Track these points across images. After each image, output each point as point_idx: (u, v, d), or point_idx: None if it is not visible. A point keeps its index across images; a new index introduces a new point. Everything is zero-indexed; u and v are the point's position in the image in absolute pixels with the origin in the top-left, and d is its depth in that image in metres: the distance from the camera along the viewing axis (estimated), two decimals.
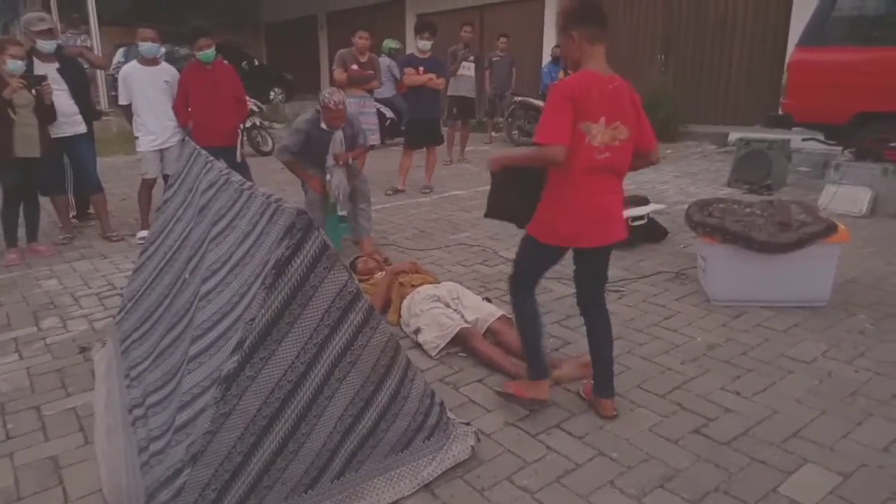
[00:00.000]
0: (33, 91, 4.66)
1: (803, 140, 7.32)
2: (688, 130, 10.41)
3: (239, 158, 5.44)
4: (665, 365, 3.05)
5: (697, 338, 3.32)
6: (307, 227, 1.95)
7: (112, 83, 11.32)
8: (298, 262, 1.94)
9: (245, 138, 9.29)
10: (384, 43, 11.00)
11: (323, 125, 4.50)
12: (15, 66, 4.57)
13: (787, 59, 7.42)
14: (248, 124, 9.44)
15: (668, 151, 9.46)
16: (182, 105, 5.23)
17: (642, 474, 2.27)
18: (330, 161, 4.56)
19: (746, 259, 3.55)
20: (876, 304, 3.68)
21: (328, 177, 4.55)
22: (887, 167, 5.48)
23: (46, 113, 4.80)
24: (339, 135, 4.55)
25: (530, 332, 2.65)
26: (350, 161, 4.73)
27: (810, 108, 6.69)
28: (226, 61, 5.53)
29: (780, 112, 7.25)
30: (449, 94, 8.61)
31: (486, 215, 2.77)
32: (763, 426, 2.53)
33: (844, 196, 5.56)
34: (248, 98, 6.89)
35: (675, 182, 7.29)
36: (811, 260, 3.51)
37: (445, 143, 8.99)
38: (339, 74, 6.48)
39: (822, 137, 7.04)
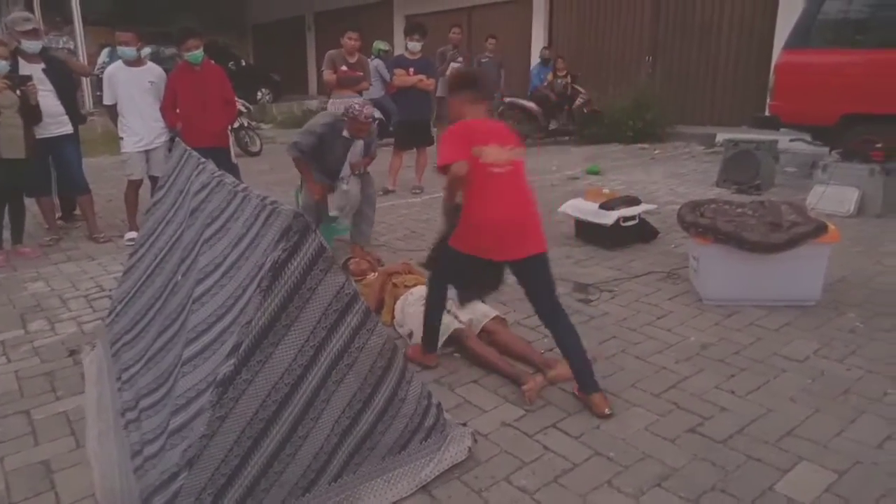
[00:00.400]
0: (18, 91, 4.59)
1: (790, 141, 7.39)
2: (675, 131, 10.47)
3: (234, 159, 5.40)
4: (659, 364, 3.06)
5: (691, 337, 3.33)
6: (304, 229, 1.94)
7: (97, 83, 11.17)
8: (295, 264, 1.93)
9: (233, 139, 9.24)
10: (374, 44, 10.96)
11: (345, 133, 4.44)
12: None
13: (774, 62, 7.50)
14: (236, 125, 9.37)
15: (657, 152, 9.52)
16: (170, 106, 5.18)
17: (639, 473, 2.27)
18: (347, 170, 4.49)
19: (738, 259, 3.57)
20: (865, 302, 3.71)
21: (344, 186, 4.48)
22: (874, 168, 5.54)
23: (31, 113, 4.74)
24: (360, 144, 4.51)
25: (434, 313, 2.97)
26: (365, 169, 4.68)
27: (797, 109, 6.75)
28: (212, 62, 5.48)
29: (767, 113, 7.31)
30: (438, 94, 8.59)
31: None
32: (758, 424, 2.55)
33: (832, 196, 5.61)
34: (236, 99, 6.83)
35: (665, 182, 7.33)
36: (802, 260, 3.54)
37: (436, 144, 8.97)
38: (329, 76, 6.45)
39: (809, 138, 7.11)
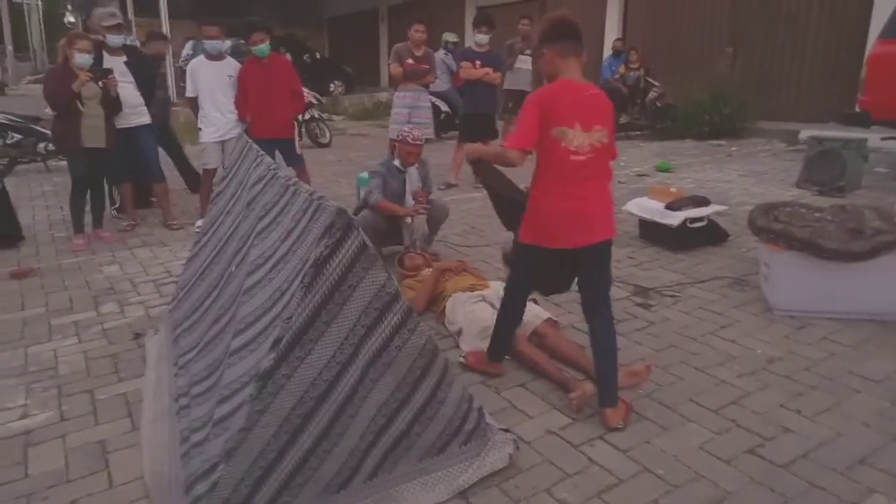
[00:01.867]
0: (100, 83, 4.83)
1: (882, 139, 6.87)
2: (755, 127, 9.94)
3: (298, 150, 5.51)
4: (720, 377, 2.89)
5: (757, 350, 3.14)
6: (347, 226, 1.93)
7: (181, 75, 11.69)
8: (337, 261, 1.92)
9: (303, 130, 9.45)
10: (443, 36, 10.97)
11: (396, 162, 4.43)
12: (83, 59, 4.75)
13: (867, 53, 6.97)
14: (306, 116, 9.59)
15: (734, 149, 9.07)
16: (243, 100, 5.35)
17: (690, 494, 2.15)
18: (409, 201, 4.46)
19: (813, 267, 3.34)
20: None
21: (409, 220, 4.45)
22: None
23: (113, 105, 4.97)
24: (413, 171, 4.49)
25: (507, 324, 2.86)
26: (429, 198, 4.58)
27: (891, 104, 6.25)
28: (288, 55, 5.60)
29: (856, 109, 6.81)
30: (505, 87, 8.48)
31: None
32: (825, 449, 2.36)
33: None
34: (306, 90, 6.98)
35: (740, 182, 6.97)
36: (885, 271, 3.27)
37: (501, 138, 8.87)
38: (395, 69, 6.47)
39: None
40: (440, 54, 7.96)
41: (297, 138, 5.59)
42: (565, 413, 2.62)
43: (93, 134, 4.86)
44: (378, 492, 2.09)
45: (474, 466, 2.21)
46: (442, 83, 8.13)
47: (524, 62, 8.37)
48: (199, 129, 5.53)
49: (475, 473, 2.20)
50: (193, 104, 5.52)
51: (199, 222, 5.49)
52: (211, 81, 5.37)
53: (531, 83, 8.51)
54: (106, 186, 5.60)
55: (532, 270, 2.75)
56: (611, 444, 2.42)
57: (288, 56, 6.78)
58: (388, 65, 6.78)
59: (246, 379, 2.06)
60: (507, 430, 2.39)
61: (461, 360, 3.02)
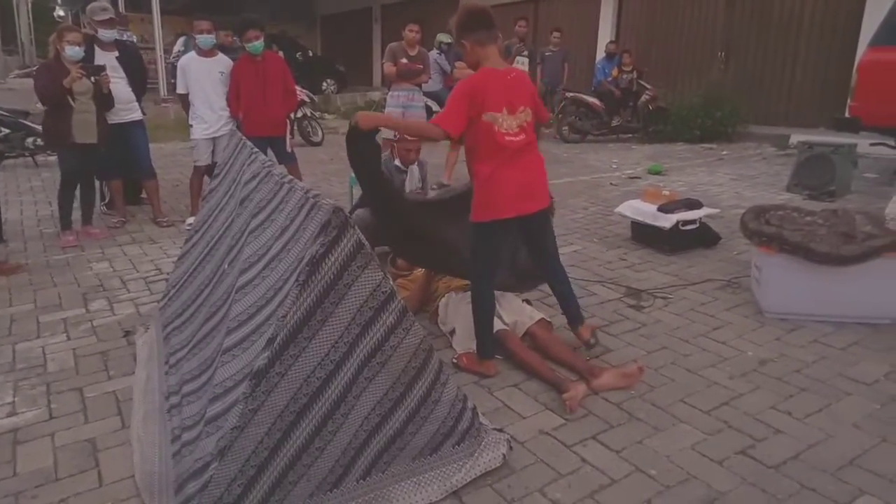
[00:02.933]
0: (92, 79, 4.78)
1: (871, 145, 6.94)
2: (747, 131, 10.00)
3: (289, 149, 5.48)
4: (712, 379, 2.90)
5: (748, 352, 3.16)
6: (343, 224, 1.92)
7: (172, 71, 11.62)
8: (332, 259, 1.91)
9: (296, 128, 9.41)
10: (437, 37, 10.96)
11: (396, 162, 4.40)
12: (73, 51, 4.70)
13: (857, 60, 7.04)
14: (298, 114, 9.55)
15: (725, 153, 9.13)
16: (235, 96, 5.31)
17: (682, 495, 2.16)
18: None
19: (804, 270, 3.36)
20: None
21: None
22: None
23: (104, 101, 4.93)
24: (415, 170, 4.45)
25: (484, 316, 2.90)
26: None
27: (881, 111, 6.31)
28: (280, 53, 5.57)
29: (847, 114, 6.87)
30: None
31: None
32: (816, 451, 2.38)
33: None
34: (299, 89, 6.94)
35: (731, 185, 7.01)
36: (876, 275, 3.30)
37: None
38: (389, 68, 6.45)
39: (892, 143, 6.65)
40: (434, 54, 7.94)
41: (289, 136, 5.54)
42: (558, 413, 2.62)
43: (84, 129, 4.81)
44: (371, 491, 2.08)
45: (468, 466, 2.21)
46: (434, 83, 8.11)
47: (521, 63, 8.40)
48: (190, 125, 5.50)
49: (468, 473, 2.20)
50: (184, 101, 5.48)
51: (190, 220, 5.46)
52: (202, 78, 5.34)
53: None
54: (97, 182, 5.55)
55: (492, 249, 2.86)
56: (603, 445, 2.42)
57: (280, 54, 6.72)
58: (382, 64, 6.76)
59: (239, 377, 2.05)
60: (500, 430, 2.39)
61: (454, 361, 3.01)
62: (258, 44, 5.18)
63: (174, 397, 2.59)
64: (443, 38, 10.68)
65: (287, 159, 5.44)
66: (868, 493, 2.15)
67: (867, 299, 3.37)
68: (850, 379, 2.89)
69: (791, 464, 2.31)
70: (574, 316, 3.09)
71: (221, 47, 5.83)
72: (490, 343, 2.94)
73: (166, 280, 3.88)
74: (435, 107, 9.92)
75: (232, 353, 2.19)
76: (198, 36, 5.37)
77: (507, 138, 2.69)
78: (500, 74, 2.73)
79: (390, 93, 6.72)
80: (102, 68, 4.90)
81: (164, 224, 5.59)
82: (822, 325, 3.39)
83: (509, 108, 2.70)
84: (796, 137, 8.45)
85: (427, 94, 7.96)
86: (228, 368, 2.15)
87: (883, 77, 6.33)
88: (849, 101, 6.80)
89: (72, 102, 4.69)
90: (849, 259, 3.26)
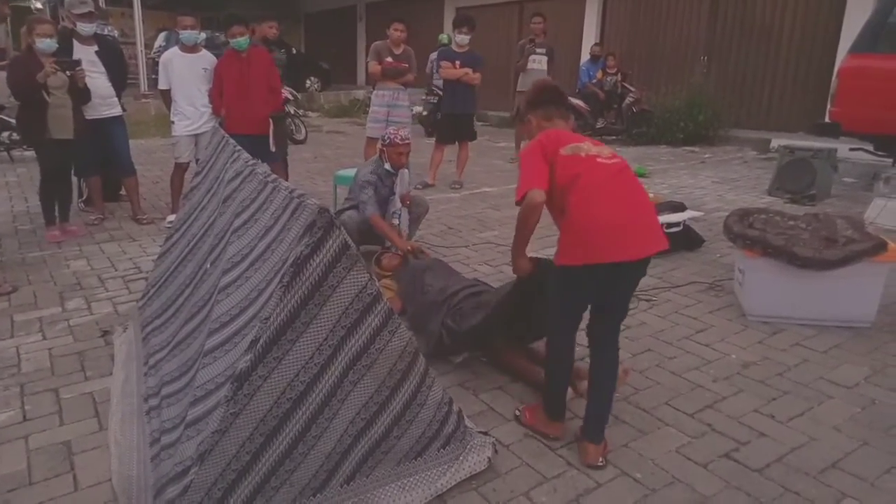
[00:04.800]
0: (67, 73, 4.67)
1: (851, 150, 7.03)
2: (728, 135, 10.11)
3: (273, 148, 5.41)
4: (695, 382, 2.91)
5: (731, 354, 3.17)
6: (328, 225, 1.88)
7: (153, 67, 11.47)
8: (317, 261, 1.88)
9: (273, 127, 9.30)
10: (439, 37, 11.24)
11: (387, 166, 4.36)
12: (44, 45, 4.59)
13: (838, 66, 7.13)
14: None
15: (707, 156, 9.21)
16: (217, 93, 5.24)
17: (666, 498, 2.16)
18: (397, 203, 4.37)
19: (787, 274, 3.39)
20: None
21: (396, 221, 4.37)
22: None
23: (80, 95, 4.82)
24: (405, 174, 4.41)
25: (560, 374, 2.48)
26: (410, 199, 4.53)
27: (860, 116, 6.40)
28: (275, 50, 5.50)
29: (827, 120, 6.96)
30: (519, 89, 8.39)
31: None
32: (798, 454, 2.39)
33: (893, 210, 5.30)
34: (283, 87, 6.85)
35: (714, 188, 7.07)
36: (857, 278, 3.33)
37: (514, 141, 8.76)
38: (374, 67, 6.42)
39: (871, 148, 6.75)
40: (433, 55, 7.95)
41: (272, 135, 5.46)
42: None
43: (60, 125, 4.70)
44: (355, 496, 2.05)
45: (453, 470, 2.19)
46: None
47: (538, 62, 8.14)
48: (172, 122, 5.41)
49: (453, 477, 2.18)
50: (166, 96, 5.40)
51: (171, 217, 5.37)
52: (185, 74, 5.26)
53: None
54: (74, 179, 5.44)
55: (575, 298, 2.40)
56: None
57: (283, 53, 6.60)
58: (367, 62, 6.72)
59: (221, 380, 2.01)
60: (486, 434, 2.37)
61: (517, 413, 2.61)
62: (243, 40, 5.12)
63: (153, 399, 2.53)
64: (443, 38, 10.80)
65: (271, 158, 5.37)
66: (850, 496, 2.17)
67: (848, 303, 3.41)
68: (831, 382, 2.91)
69: (774, 467, 2.32)
70: (596, 425, 2.38)
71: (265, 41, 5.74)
72: (562, 403, 2.50)
73: (146, 279, 3.82)
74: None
75: (214, 354, 2.14)
76: (181, 32, 5.29)
77: (599, 160, 2.29)
78: (569, 133, 2.46)
79: (375, 92, 6.68)
80: (78, 62, 4.79)
81: (144, 221, 5.50)
82: (804, 329, 3.42)
83: (591, 143, 2.38)
84: (777, 142, 8.55)
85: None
86: (210, 370, 2.11)
87: (862, 83, 6.42)
88: (829, 106, 6.89)
89: (46, 97, 4.58)
90: (831, 263, 3.29)
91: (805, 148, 6.60)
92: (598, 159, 2.30)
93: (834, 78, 6.92)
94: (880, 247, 3.33)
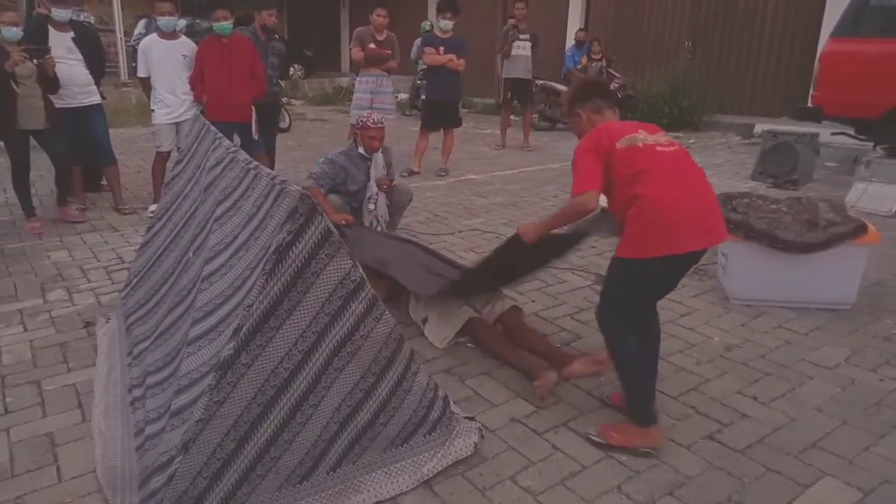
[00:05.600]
0: (35, 62, 4.55)
1: (833, 134, 7.09)
2: (712, 120, 10.15)
3: (255, 136, 5.36)
4: (679, 365, 2.94)
5: (714, 338, 3.20)
6: (310, 211, 1.87)
7: (132, 54, 11.28)
8: (300, 248, 1.86)
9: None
10: (422, 24, 11.25)
11: (361, 150, 4.32)
12: (10, 33, 4.45)
13: (820, 50, 7.17)
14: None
15: (692, 141, 9.25)
16: (199, 79, 5.17)
17: (651, 480, 2.18)
18: (373, 188, 4.31)
19: (769, 257, 3.42)
20: None
21: (371, 206, 4.32)
22: None
23: (50, 84, 4.70)
24: (379, 157, 4.37)
25: (638, 370, 2.35)
26: (392, 183, 4.47)
27: (842, 101, 6.46)
28: (244, 35, 5.41)
29: (809, 104, 7.01)
30: (504, 76, 8.38)
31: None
32: (780, 434, 2.43)
33: (874, 194, 5.37)
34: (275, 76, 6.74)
35: None
36: (838, 261, 3.37)
37: (499, 128, 8.76)
38: (356, 53, 6.36)
39: (852, 132, 6.81)
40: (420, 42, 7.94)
41: (255, 122, 5.40)
42: (530, 401, 2.63)
43: (30, 115, 4.59)
44: (341, 483, 2.06)
45: (439, 455, 2.20)
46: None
47: (522, 48, 8.14)
48: (152, 110, 5.33)
49: (440, 462, 2.19)
50: (145, 84, 5.31)
51: (152, 207, 5.31)
52: (164, 61, 5.18)
53: (529, 70, 8.38)
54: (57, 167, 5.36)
55: (649, 291, 2.39)
56: (574, 432, 2.43)
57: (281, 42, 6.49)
58: (350, 49, 6.65)
59: (205, 369, 2.00)
60: (472, 419, 2.38)
61: (595, 439, 2.36)
62: (226, 24, 5.05)
63: (137, 390, 2.52)
64: (426, 25, 10.74)
65: (254, 147, 5.32)
66: (829, 474, 2.21)
67: (829, 285, 3.45)
68: (812, 363, 2.95)
69: (756, 447, 2.35)
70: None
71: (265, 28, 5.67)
72: (652, 406, 2.35)
73: (128, 269, 3.78)
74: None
75: (198, 343, 2.13)
76: (159, 18, 5.20)
77: (660, 149, 2.25)
78: (622, 123, 2.41)
79: (359, 78, 6.62)
80: (47, 50, 4.68)
81: (126, 211, 5.43)
82: (785, 311, 3.46)
83: (646, 130, 2.32)
84: (760, 126, 8.60)
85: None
86: (194, 360, 2.09)
87: (844, 68, 6.46)
88: (811, 90, 6.94)
89: (15, 87, 4.46)
90: (812, 246, 3.32)
91: (788, 132, 6.66)
92: (658, 147, 2.26)
93: (816, 62, 6.97)
94: (860, 230, 3.37)
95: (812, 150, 6.52)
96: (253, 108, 5.28)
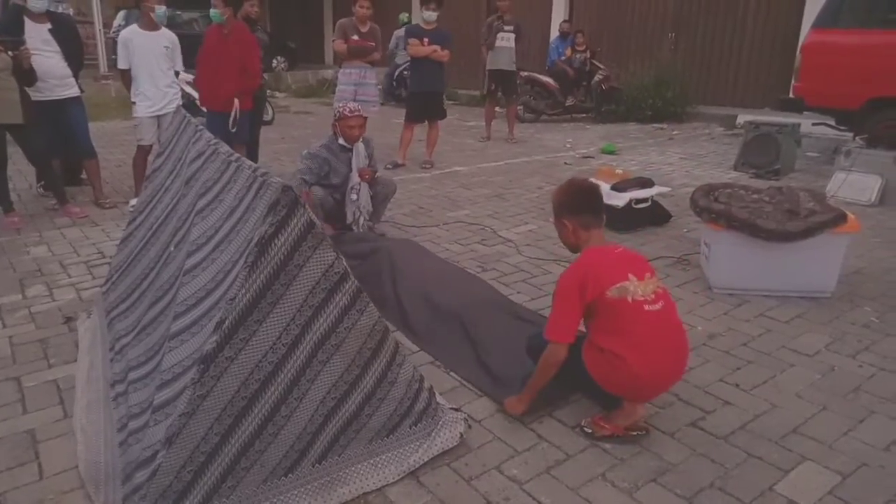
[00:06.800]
0: (9, 54, 4.47)
1: (814, 125, 7.16)
2: (696, 111, 10.21)
3: (232, 127, 5.29)
4: None
5: (698, 326, 3.23)
6: (293, 203, 1.86)
7: (112, 46, 11.11)
8: (282, 240, 1.85)
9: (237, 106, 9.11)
10: (400, 16, 11.16)
11: (341, 141, 4.28)
12: None
13: (801, 41, 7.23)
14: None
15: (675, 132, 9.30)
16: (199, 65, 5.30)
17: (635, 467, 2.20)
18: (355, 179, 4.28)
19: (751, 246, 3.45)
20: (882, 296, 3.59)
21: (353, 196, 4.30)
22: None
23: (26, 76, 4.60)
24: (360, 147, 4.34)
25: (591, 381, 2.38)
26: (375, 175, 4.45)
27: (822, 91, 6.52)
28: (259, 30, 5.40)
29: (791, 95, 7.07)
30: (488, 68, 8.37)
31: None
32: (761, 421, 2.46)
33: (854, 184, 5.43)
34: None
35: (681, 164, 7.15)
36: (818, 250, 3.41)
37: (484, 120, 8.75)
38: (339, 45, 6.32)
39: (833, 122, 6.89)
40: (400, 33, 7.89)
41: (234, 115, 5.32)
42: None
43: (5, 108, 4.51)
44: (326, 475, 2.05)
45: (425, 446, 2.20)
46: (402, 58, 8.12)
47: (506, 40, 8.14)
48: (133, 102, 5.26)
49: (426, 453, 2.19)
50: (126, 76, 5.23)
51: (133, 201, 5.24)
52: (146, 53, 5.10)
53: (513, 62, 8.37)
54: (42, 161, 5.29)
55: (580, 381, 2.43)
56: (559, 421, 2.45)
57: (265, 33, 6.43)
58: (333, 41, 6.60)
59: (188, 363, 1.98)
60: (457, 410, 2.38)
61: (587, 430, 2.38)
62: (215, 12, 5.07)
63: (120, 385, 2.50)
64: (403, 17, 10.64)
65: (235, 139, 5.25)
66: (809, 458, 2.24)
67: (810, 274, 3.49)
68: (793, 351, 2.99)
69: (738, 434, 2.38)
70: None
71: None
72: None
73: (109, 264, 3.74)
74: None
75: (180, 338, 2.11)
76: (157, 8, 5.10)
77: (647, 307, 2.24)
78: (606, 251, 2.40)
79: (342, 70, 6.58)
80: (21, 42, 4.59)
81: (107, 205, 5.36)
82: (767, 300, 3.50)
83: (635, 274, 2.29)
84: (743, 118, 8.66)
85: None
86: (176, 354, 2.08)
87: (825, 58, 6.52)
88: (793, 81, 7.00)
89: None
90: (793, 235, 3.36)
91: (770, 123, 6.71)
92: (645, 307, 2.24)
93: (797, 53, 7.03)
94: (840, 218, 3.41)
95: (793, 140, 6.59)
96: (236, 101, 5.22)
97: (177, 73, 5.38)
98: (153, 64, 5.12)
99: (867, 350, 3.00)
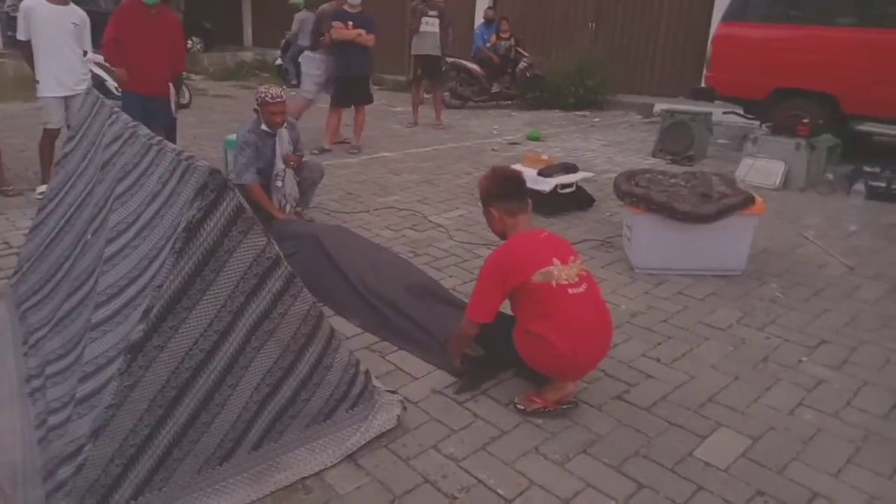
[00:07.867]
0: None
1: (724, 113, 7.57)
2: (616, 100, 10.56)
3: (175, 114, 5.08)
4: None
5: (621, 305, 3.38)
6: (221, 187, 1.81)
7: (7, 21, 10.30)
8: (211, 225, 1.80)
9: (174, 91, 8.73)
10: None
11: (264, 127, 4.16)
12: None
13: (712, 34, 7.60)
14: None
15: (597, 120, 9.59)
16: (112, 42, 4.84)
17: (566, 440, 2.29)
18: (280, 165, 4.18)
19: (669, 228, 3.63)
20: (786, 272, 3.86)
21: (279, 183, 4.19)
22: (799, 142, 5.73)
23: None
24: (284, 133, 4.22)
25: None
26: (301, 160, 4.37)
27: (732, 82, 6.90)
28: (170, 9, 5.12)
29: (703, 85, 7.44)
30: (413, 53, 8.34)
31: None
32: (681, 391, 2.62)
33: (760, 169, 5.79)
34: None
35: (603, 151, 7.39)
36: (729, 230, 3.63)
37: (411, 106, 8.69)
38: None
39: (741, 111, 7.29)
40: (304, 14, 7.80)
41: (172, 99, 5.10)
42: (450, 373, 2.68)
43: None
44: (264, 461, 2.03)
45: (362, 429, 2.21)
46: (304, 39, 8.07)
47: (430, 24, 8.11)
48: (37, 82, 4.91)
49: (363, 436, 2.20)
50: (26, 50, 4.85)
51: (41, 188, 4.93)
52: (52, 28, 4.75)
53: (439, 47, 8.33)
54: None
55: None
56: (494, 399, 2.51)
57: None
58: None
59: (112, 353, 1.90)
60: (393, 392, 2.40)
61: (520, 407, 2.46)
62: None
63: (36, 380, 2.37)
64: (297, 1, 10.51)
65: (155, 122, 5.01)
66: (725, 425, 2.41)
67: (722, 253, 3.71)
68: (708, 325, 3.19)
69: (660, 404, 2.52)
70: None
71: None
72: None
73: (17, 254, 3.50)
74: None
75: (102, 328, 2.03)
76: None
77: (571, 290, 2.31)
78: (532, 235, 2.47)
79: (307, 55, 6.73)
80: None
81: (10, 193, 5.00)
82: (684, 278, 3.70)
83: (559, 258, 2.35)
84: (660, 106, 9.03)
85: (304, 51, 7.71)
86: (99, 345, 1.99)
87: (733, 50, 6.90)
88: (705, 71, 7.36)
89: None
90: (707, 217, 3.56)
91: (684, 112, 7.04)
92: (569, 290, 2.31)
93: (709, 45, 7.39)
94: (749, 201, 3.64)
95: (706, 128, 6.94)
96: (172, 85, 5.00)
97: (84, 53, 5.06)
98: (60, 40, 4.79)
99: (773, 323, 3.23)
